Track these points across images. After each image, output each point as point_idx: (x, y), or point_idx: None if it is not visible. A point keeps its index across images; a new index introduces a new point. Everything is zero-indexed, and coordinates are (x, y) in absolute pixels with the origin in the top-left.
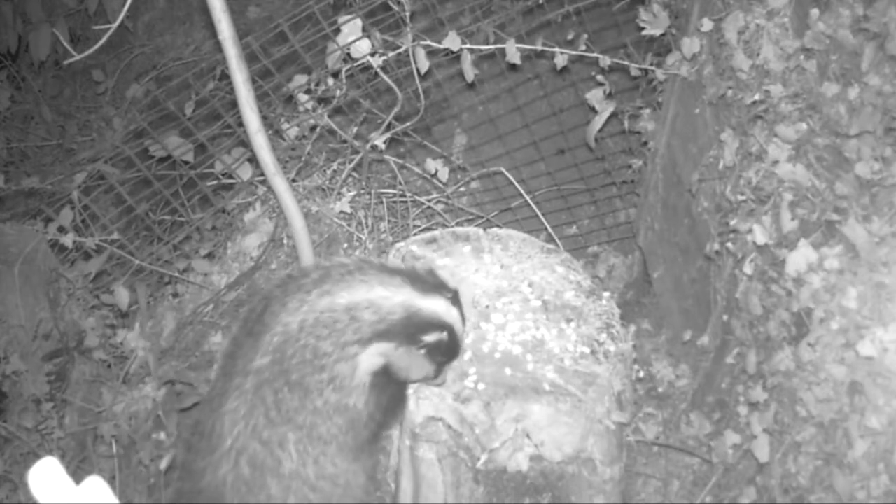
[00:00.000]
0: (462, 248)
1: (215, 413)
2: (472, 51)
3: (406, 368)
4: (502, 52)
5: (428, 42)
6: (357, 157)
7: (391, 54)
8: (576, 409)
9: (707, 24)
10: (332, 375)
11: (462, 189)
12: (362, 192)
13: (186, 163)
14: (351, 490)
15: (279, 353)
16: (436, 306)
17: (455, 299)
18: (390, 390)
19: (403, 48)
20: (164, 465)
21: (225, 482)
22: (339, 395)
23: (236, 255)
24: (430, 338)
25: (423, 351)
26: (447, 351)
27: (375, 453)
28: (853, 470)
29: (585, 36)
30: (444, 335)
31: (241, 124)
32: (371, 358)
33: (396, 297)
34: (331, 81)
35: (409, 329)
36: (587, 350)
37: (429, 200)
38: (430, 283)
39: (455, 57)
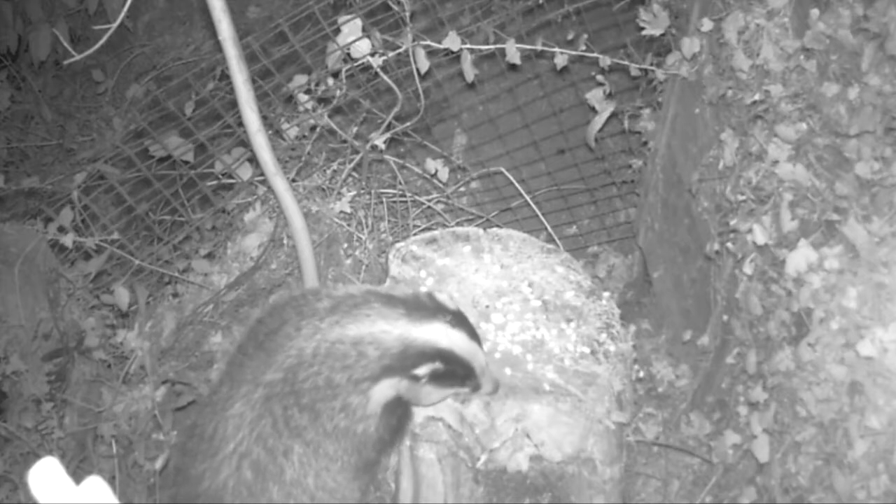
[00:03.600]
0: (462, 248)
1: (218, 416)
2: (472, 51)
3: (416, 398)
4: (502, 52)
5: (428, 42)
6: (357, 157)
7: (391, 54)
8: (576, 409)
9: (707, 24)
10: (345, 405)
11: (462, 189)
12: (362, 192)
13: (186, 163)
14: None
15: (291, 374)
16: (430, 334)
17: (456, 320)
18: (399, 412)
19: (403, 48)
20: (158, 464)
21: (226, 486)
22: (350, 422)
23: (236, 255)
24: (422, 370)
25: (423, 381)
26: (452, 374)
27: (375, 472)
28: (853, 470)
29: (585, 36)
30: (437, 364)
31: (241, 124)
32: (383, 391)
33: (395, 331)
34: (331, 81)
35: (405, 363)
36: (587, 350)
37: (429, 200)
38: (428, 308)
39: (455, 57)
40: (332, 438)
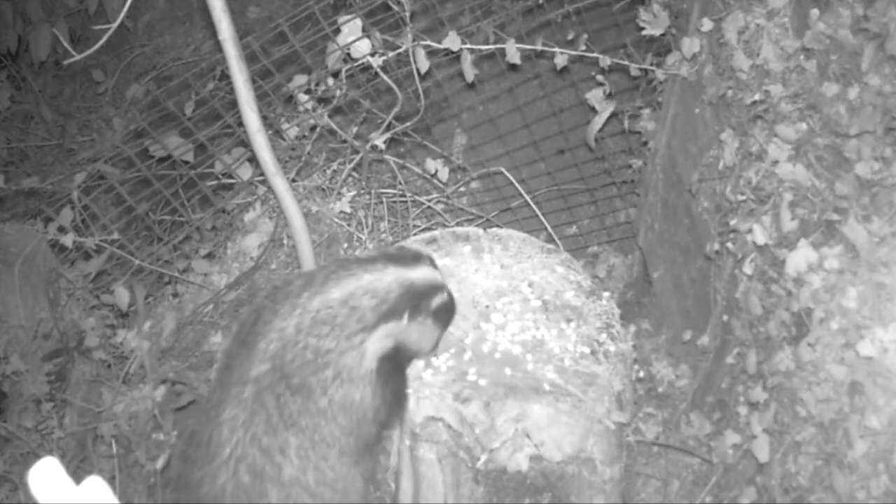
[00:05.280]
0: (462, 248)
1: (212, 423)
2: (472, 51)
3: (418, 340)
4: (502, 52)
5: (428, 42)
6: (357, 157)
7: (391, 54)
8: (576, 409)
9: (707, 24)
10: (338, 370)
11: (462, 189)
12: (362, 192)
13: (186, 163)
14: (349, 495)
15: (278, 359)
16: (425, 273)
17: (433, 263)
18: (393, 383)
19: (403, 48)
20: (160, 464)
21: (224, 491)
22: (346, 388)
23: (236, 255)
24: (437, 301)
25: (430, 318)
26: (449, 311)
27: (375, 455)
28: (853, 470)
29: (585, 36)
30: (446, 295)
31: (241, 124)
32: (378, 342)
33: (386, 277)
34: (331, 81)
35: (413, 300)
36: (587, 350)
37: (429, 200)
38: (408, 256)
39: (455, 57)
40: (328, 417)
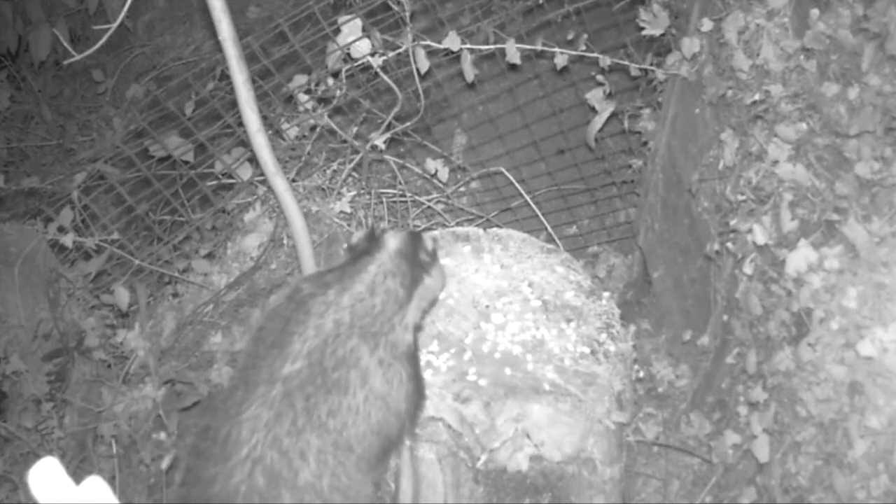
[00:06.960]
0: (462, 248)
1: (232, 420)
2: (472, 51)
3: (440, 284)
4: (502, 52)
5: (428, 42)
6: (357, 157)
7: (391, 54)
8: (576, 409)
9: (707, 24)
10: (385, 351)
11: (462, 189)
12: (362, 192)
13: (186, 163)
14: (359, 500)
15: (317, 354)
16: (395, 236)
17: (378, 229)
18: (416, 379)
19: (403, 48)
20: (165, 464)
21: (238, 491)
22: (388, 373)
23: (236, 255)
24: (426, 245)
25: (436, 260)
26: (433, 243)
27: (388, 461)
28: (853, 470)
29: (585, 36)
30: (420, 234)
31: (241, 124)
32: (413, 313)
33: (384, 257)
34: (331, 81)
35: (416, 259)
36: (587, 350)
37: (429, 200)
38: (373, 236)
39: (455, 57)
40: (360, 415)
